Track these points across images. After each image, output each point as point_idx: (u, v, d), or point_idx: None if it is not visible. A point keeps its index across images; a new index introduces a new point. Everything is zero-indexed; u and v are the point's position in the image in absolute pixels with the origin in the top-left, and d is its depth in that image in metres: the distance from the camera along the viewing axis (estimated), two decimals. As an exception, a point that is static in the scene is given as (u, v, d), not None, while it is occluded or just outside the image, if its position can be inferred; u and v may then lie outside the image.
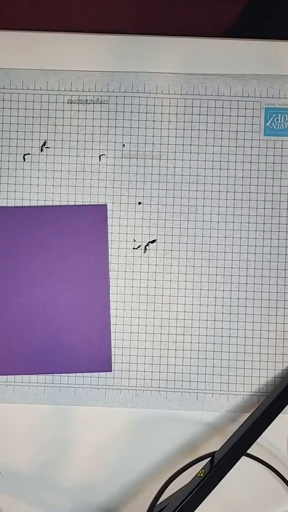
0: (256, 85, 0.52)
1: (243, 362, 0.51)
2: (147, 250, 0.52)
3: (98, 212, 0.52)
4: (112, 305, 0.52)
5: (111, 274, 0.52)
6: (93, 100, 0.52)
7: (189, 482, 0.46)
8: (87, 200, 0.52)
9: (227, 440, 0.47)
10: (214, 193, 0.52)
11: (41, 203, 0.52)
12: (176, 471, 0.45)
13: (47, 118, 0.52)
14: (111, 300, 0.52)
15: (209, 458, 0.46)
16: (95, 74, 0.52)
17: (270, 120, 0.52)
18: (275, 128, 0.52)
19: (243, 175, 0.52)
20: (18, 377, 0.52)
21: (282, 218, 0.52)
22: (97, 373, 0.51)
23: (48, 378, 0.51)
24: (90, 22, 0.65)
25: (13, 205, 0.52)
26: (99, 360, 0.51)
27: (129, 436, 0.51)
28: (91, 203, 0.52)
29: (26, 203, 0.52)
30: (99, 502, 0.51)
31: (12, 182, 0.52)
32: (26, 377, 0.52)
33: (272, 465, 0.49)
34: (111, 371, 0.51)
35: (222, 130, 0.52)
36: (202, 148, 0.52)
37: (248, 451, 0.46)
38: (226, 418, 0.51)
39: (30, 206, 0.52)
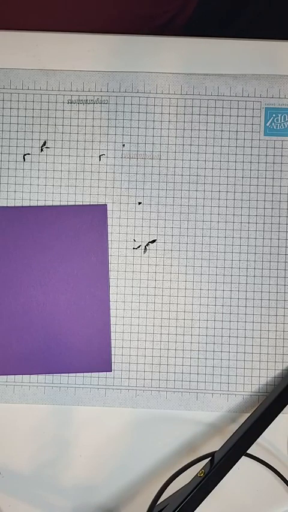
0: (256, 85, 0.52)
1: (243, 362, 0.51)
2: (147, 250, 0.52)
3: (98, 212, 0.52)
4: (112, 305, 0.52)
5: (111, 274, 0.52)
6: (93, 100, 0.52)
7: (189, 482, 0.46)
8: (87, 200, 0.52)
9: (227, 440, 0.47)
10: (214, 193, 0.52)
11: (41, 203, 0.52)
12: (176, 471, 0.45)
13: (47, 118, 0.52)
14: (111, 300, 0.52)
15: (209, 458, 0.46)
16: (95, 74, 0.52)
17: (270, 120, 0.52)
18: (275, 127, 0.52)
19: (243, 175, 0.52)
20: (18, 377, 0.52)
21: (282, 218, 0.52)
22: (97, 373, 0.51)
23: (48, 377, 0.51)
24: (90, 22, 0.65)
25: (13, 205, 0.52)
26: (99, 360, 0.51)
27: (129, 436, 0.51)
28: (91, 203, 0.52)
29: (26, 203, 0.52)
30: (99, 502, 0.51)
31: (12, 182, 0.52)
32: (26, 377, 0.52)
33: (272, 465, 0.49)
34: (111, 371, 0.51)
35: (222, 130, 0.52)
36: (202, 148, 0.52)
37: (248, 451, 0.46)
38: (226, 418, 0.51)
39: (30, 206, 0.52)
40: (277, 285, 0.52)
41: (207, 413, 0.51)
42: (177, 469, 0.45)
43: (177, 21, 0.70)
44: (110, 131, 0.52)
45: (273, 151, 0.52)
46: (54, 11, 0.66)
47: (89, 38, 0.52)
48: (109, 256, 0.52)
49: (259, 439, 0.46)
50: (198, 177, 0.52)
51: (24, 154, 0.52)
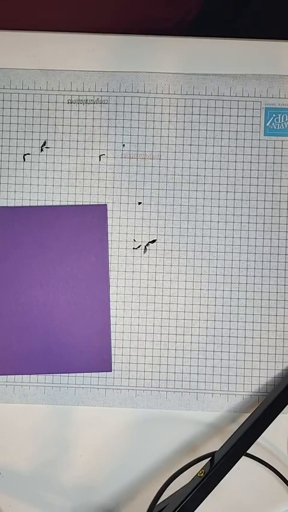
0: (256, 85, 0.52)
1: (243, 362, 0.51)
2: (147, 250, 0.52)
3: (98, 212, 0.52)
4: (112, 305, 0.52)
5: (111, 274, 0.52)
6: (93, 100, 0.52)
7: (189, 482, 0.46)
8: (87, 200, 0.52)
9: (227, 440, 0.47)
10: (214, 193, 0.52)
11: (41, 203, 0.52)
12: (176, 471, 0.45)
13: (47, 118, 0.52)
14: (111, 300, 0.52)
15: (209, 458, 0.46)
16: (95, 74, 0.52)
17: (270, 120, 0.52)
18: (275, 127, 0.52)
19: (243, 175, 0.52)
20: (18, 377, 0.52)
21: (282, 218, 0.52)
22: (97, 373, 0.51)
23: (48, 378, 0.51)
24: (90, 22, 0.65)
25: (13, 205, 0.52)
26: (99, 360, 0.51)
27: (129, 436, 0.51)
28: (91, 203, 0.52)
29: (26, 203, 0.52)
30: (99, 502, 0.51)
31: (12, 182, 0.52)
32: (26, 377, 0.52)
33: (272, 465, 0.49)
34: (111, 371, 0.51)
35: (222, 130, 0.52)
36: (202, 148, 0.52)
37: (248, 451, 0.46)
38: (226, 418, 0.51)
39: (30, 206, 0.52)
40: (277, 285, 0.52)
41: (207, 413, 0.51)
42: (177, 469, 0.45)
43: (180, 26, 0.69)
44: (110, 131, 0.52)
45: (273, 151, 0.52)
46: (54, 11, 0.66)
47: (89, 38, 0.52)
48: (109, 256, 0.52)
49: (259, 439, 0.46)
50: (198, 177, 0.52)
51: (24, 154, 0.52)
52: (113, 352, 0.51)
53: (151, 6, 0.68)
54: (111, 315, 0.51)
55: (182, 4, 0.69)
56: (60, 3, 0.66)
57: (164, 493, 0.45)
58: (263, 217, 0.52)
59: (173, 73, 0.52)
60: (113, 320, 0.51)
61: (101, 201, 0.52)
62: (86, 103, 0.52)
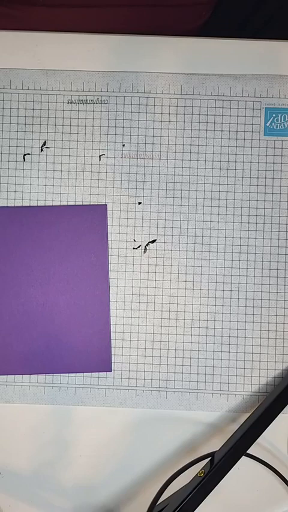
0: (256, 85, 0.52)
1: (243, 362, 0.51)
2: (147, 250, 0.52)
3: (98, 212, 0.52)
4: (112, 305, 0.52)
5: (111, 274, 0.52)
6: (93, 100, 0.52)
7: (189, 482, 0.46)
8: (87, 200, 0.52)
9: (227, 440, 0.47)
10: (214, 193, 0.52)
11: (41, 203, 0.52)
12: (176, 471, 0.45)
13: (47, 118, 0.52)
14: (111, 300, 0.52)
15: (209, 458, 0.46)
16: (95, 74, 0.52)
17: (270, 120, 0.52)
18: (275, 127, 0.52)
19: (243, 175, 0.52)
20: (18, 377, 0.52)
21: (282, 218, 0.52)
22: (97, 373, 0.51)
23: (48, 378, 0.51)
24: (90, 22, 0.65)
25: (13, 205, 0.52)
26: (99, 360, 0.51)
27: (129, 436, 0.51)
28: (91, 203, 0.52)
29: (26, 203, 0.52)
30: (99, 502, 0.51)
31: (12, 182, 0.52)
32: (26, 377, 0.52)
33: (272, 465, 0.49)
34: (111, 371, 0.51)
35: (222, 130, 0.52)
36: (202, 148, 0.52)
37: (248, 451, 0.46)
38: (226, 418, 0.51)
39: (30, 206, 0.52)
40: (277, 285, 0.52)
41: (207, 413, 0.51)
42: (177, 469, 0.45)
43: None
44: (110, 131, 0.52)
45: (273, 151, 0.52)
46: (54, 11, 0.66)
47: (89, 38, 0.52)
48: (109, 256, 0.52)
49: (259, 439, 0.46)
50: (198, 177, 0.52)
51: (24, 154, 0.52)
52: (113, 352, 0.51)
53: (159, 15, 0.68)
54: (111, 315, 0.51)
55: (192, 11, 0.69)
56: (60, 3, 0.66)
57: (164, 493, 0.45)
58: (263, 217, 0.52)
59: (173, 73, 0.52)
60: (113, 320, 0.51)
61: (101, 201, 0.52)
62: (86, 103, 0.52)
